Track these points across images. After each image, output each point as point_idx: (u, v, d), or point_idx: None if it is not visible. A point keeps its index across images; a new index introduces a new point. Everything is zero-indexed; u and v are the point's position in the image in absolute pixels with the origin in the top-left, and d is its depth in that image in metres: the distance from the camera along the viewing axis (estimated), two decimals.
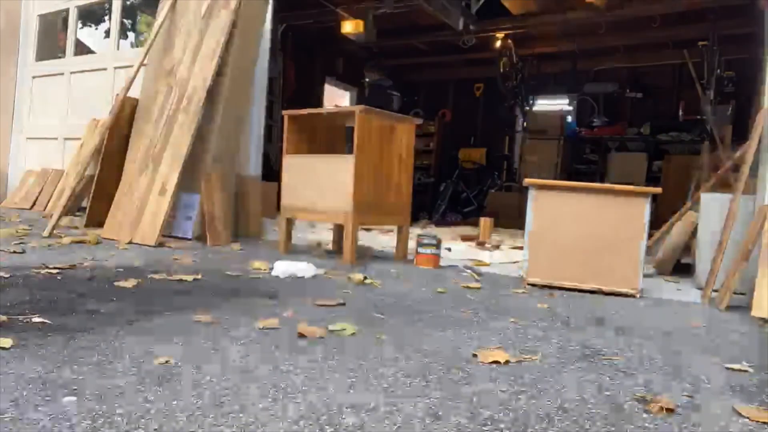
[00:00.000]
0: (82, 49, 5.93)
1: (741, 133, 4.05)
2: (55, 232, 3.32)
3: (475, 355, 1.41)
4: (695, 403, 1.18)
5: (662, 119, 7.98)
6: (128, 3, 5.97)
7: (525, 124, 8.75)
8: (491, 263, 3.31)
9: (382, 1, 6.38)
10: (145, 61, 3.86)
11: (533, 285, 2.57)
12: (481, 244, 4.26)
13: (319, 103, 8.38)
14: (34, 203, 5.36)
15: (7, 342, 1.26)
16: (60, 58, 5.85)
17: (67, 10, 5.82)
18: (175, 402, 1.01)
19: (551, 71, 8.91)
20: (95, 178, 3.77)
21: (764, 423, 1.09)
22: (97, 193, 3.76)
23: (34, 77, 5.99)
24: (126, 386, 1.08)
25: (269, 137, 5.84)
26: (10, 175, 6.04)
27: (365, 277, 2.45)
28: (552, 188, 2.62)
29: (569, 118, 8.73)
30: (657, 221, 4.21)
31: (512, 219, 5.92)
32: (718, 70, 5.61)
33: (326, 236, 4.08)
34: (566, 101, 8.88)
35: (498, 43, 7.85)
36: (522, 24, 7.18)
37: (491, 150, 9.24)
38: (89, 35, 6.49)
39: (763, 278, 2.22)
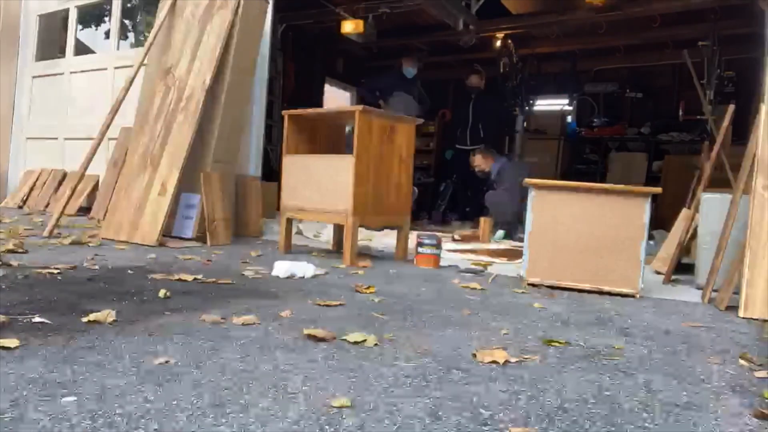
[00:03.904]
0: (82, 49, 5.93)
1: (741, 133, 4.06)
2: (55, 232, 3.32)
3: (475, 355, 1.41)
4: (695, 403, 1.18)
5: (662, 119, 7.97)
6: (128, 3, 5.96)
7: (525, 124, 8.74)
8: (492, 263, 3.31)
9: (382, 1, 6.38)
10: (145, 61, 3.86)
11: (533, 285, 2.57)
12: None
13: (319, 103, 8.37)
14: (27, 202, 5.37)
15: (12, 342, 1.26)
16: (60, 58, 5.85)
17: (67, 10, 5.82)
18: (175, 402, 1.01)
19: (551, 71, 8.90)
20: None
21: (764, 423, 1.09)
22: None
23: (34, 77, 6.00)
24: (126, 386, 1.08)
25: (269, 137, 5.84)
26: (10, 175, 6.05)
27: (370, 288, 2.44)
28: (552, 188, 2.62)
29: (569, 118, 8.72)
30: (657, 221, 4.21)
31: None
32: (718, 70, 5.60)
33: (319, 232, 4.08)
34: (566, 101, 8.87)
35: (498, 43, 7.85)
36: (522, 24, 7.18)
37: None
38: (89, 35, 6.48)
39: (758, 278, 2.22)
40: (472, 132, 6.64)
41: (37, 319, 1.49)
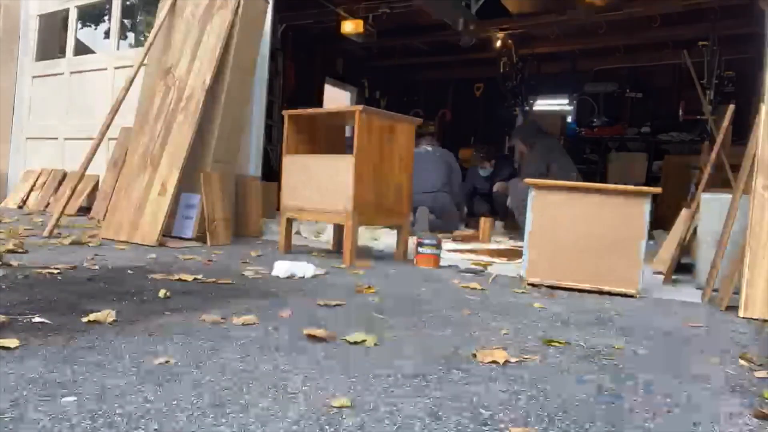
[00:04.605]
0: (82, 49, 5.93)
1: (741, 133, 4.06)
2: (55, 232, 3.32)
3: (475, 355, 1.41)
4: (695, 403, 1.18)
5: (662, 119, 7.98)
6: (128, 3, 5.96)
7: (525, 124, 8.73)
8: (492, 263, 3.31)
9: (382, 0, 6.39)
10: (145, 61, 3.86)
11: (533, 285, 2.57)
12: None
13: (319, 103, 8.38)
14: (27, 202, 5.37)
15: (12, 342, 1.26)
16: (60, 58, 5.85)
17: (67, 10, 5.82)
18: (175, 402, 1.01)
19: (551, 71, 8.91)
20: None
21: (764, 423, 1.09)
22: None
23: (34, 77, 6.00)
24: (126, 386, 1.08)
25: (269, 137, 5.84)
26: (10, 175, 6.05)
27: (369, 287, 2.44)
28: (552, 188, 2.62)
29: (569, 118, 8.73)
30: (657, 221, 4.21)
31: (512, 219, 5.92)
32: (718, 70, 5.61)
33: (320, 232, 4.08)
34: (566, 101, 8.88)
35: (498, 43, 7.85)
36: (522, 24, 7.18)
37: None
38: (89, 35, 6.49)
39: (758, 278, 2.22)
40: None
41: (37, 319, 1.49)
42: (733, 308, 2.23)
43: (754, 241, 2.28)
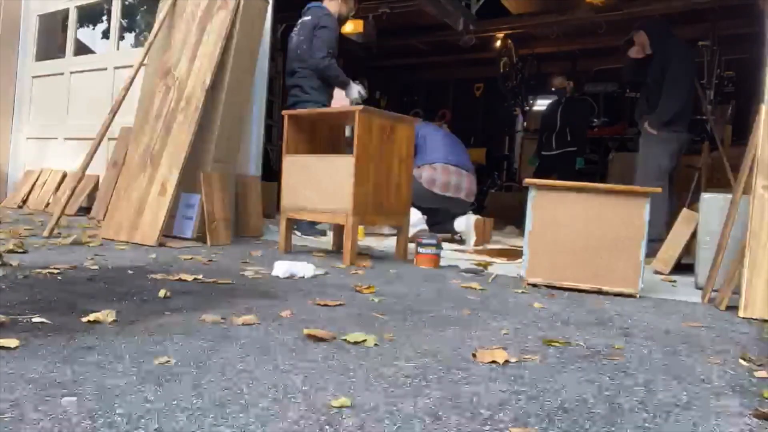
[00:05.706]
0: (82, 49, 5.93)
1: (741, 133, 4.06)
2: (55, 232, 3.32)
3: (474, 355, 1.41)
4: (695, 403, 1.18)
5: None
6: (128, 3, 5.96)
7: (525, 124, 8.75)
8: (492, 263, 3.31)
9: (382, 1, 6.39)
10: (145, 61, 3.86)
11: (533, 285, 2.57)
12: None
13: None
14: (27, 202, 5.37)
15: (12, 342, 1.26)
16: (60, 58, 5.85)
17: (67, 10, 5.82)
18: (175, 402, 1.01)
19: (551, 71, 8.91)
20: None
21: (764, 423, 1.09)
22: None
23: (34, 77, 6.00)
24: (126, 386, 1.08)
25: (269, 137, 5.84)
26: (10, 175, 6.05)
27: (370, 287, 2.44)
28: (552, 188, 2.62)
29: None
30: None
31: (512, 219, 5.93)
32: (718, 70, 5.62)
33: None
34: None
35: (498, 43, 7.85)
36: (522, 24, 7.19)
37: (491, 150, 9.24)
38: (89, 35, 6.50)
39: (758, 278, 2.22)
40: (558, 137, 6.48)
41: (37, 319, 1.49)
42: (733, 308, 2.23)
43: (754, 241, 2.28)
